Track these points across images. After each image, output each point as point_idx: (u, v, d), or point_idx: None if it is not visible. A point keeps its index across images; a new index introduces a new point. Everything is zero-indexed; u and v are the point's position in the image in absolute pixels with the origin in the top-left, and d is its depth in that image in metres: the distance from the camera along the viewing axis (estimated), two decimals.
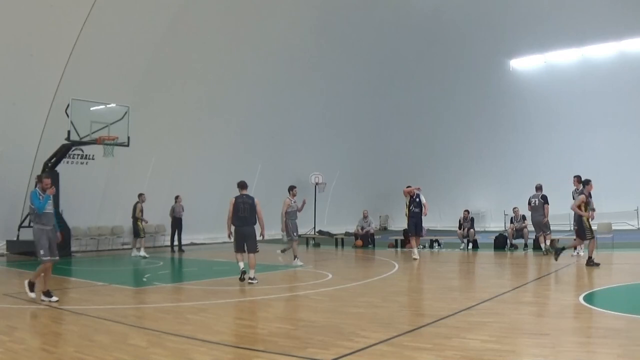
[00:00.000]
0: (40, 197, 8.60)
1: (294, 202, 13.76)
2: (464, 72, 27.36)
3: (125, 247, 19.13)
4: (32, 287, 8.58)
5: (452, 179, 28.97)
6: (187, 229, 19.25)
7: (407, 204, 14.91)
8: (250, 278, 10.13)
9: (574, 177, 14.67)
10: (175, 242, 18.85)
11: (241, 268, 10.24)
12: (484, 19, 25.17)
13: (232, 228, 10.43)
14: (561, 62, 25.95)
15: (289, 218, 13.57)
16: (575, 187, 14.53)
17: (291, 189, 13.75)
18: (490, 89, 27.30)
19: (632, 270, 11.82)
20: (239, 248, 10.32)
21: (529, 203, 16.16)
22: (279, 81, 23.63)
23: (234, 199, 10.38)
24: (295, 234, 13.71)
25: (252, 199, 10.45)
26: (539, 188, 16.20)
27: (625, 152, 24.48)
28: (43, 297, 8.35)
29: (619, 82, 23.93)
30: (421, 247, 18.60)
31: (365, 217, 20.72)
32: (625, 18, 22.71)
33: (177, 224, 18.80)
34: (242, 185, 10.64)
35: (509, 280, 11.00)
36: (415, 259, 14.32)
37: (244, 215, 10.30)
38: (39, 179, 9.37)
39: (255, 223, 10.49)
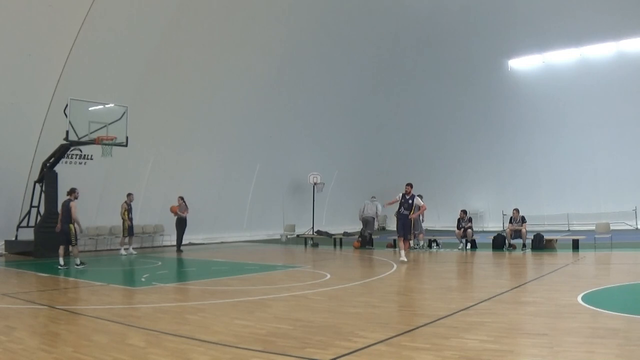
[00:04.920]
0: None
1: None
2: (462, 72, 27.38)
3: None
4: None
5: (450, 179, 29.01)
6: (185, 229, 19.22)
7: (399, 204, 14.45)
8: (77, 264, 12.98)
9: None
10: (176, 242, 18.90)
11: (77, 263, 13.05)
12: (482, 19, 25.20)
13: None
14: (560, 62, 25.97)
15: None
16: None
17: None
18: (488, 89, 27.32)
19: (631, 270, 11.84)
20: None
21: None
22: (278, 81, 23.63)
23: (75, 202, 13.24)
24: None
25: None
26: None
27: (624, 152, 24.51)
28: None
29: (618, 82, 23.96)
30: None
31: (373, 197, 20.01)
32: (623, 18, 22.73)
33: (180, 224, 18.79)
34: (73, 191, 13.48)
35: (507, 280, 11.01)
36: (403, 262, 13.72)
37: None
38: None
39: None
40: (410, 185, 14.58)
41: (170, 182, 20.93)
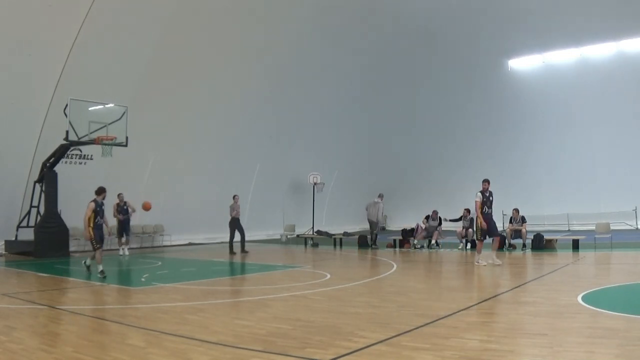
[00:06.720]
0: None
1: None
2: (463, 72, 27.38)
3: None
4: None
5: (450, 179, 28.99)
6: (184, 229, 19.17)
7: (481, 203, 12.98)
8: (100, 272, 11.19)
9: None
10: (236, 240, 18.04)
11: (86, 263, 11.92)
12: (482, 19, 25.18)
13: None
14: (560, 62, 25.98)
15: None
16: None
17: None
18: (488, 89, 27.32)
19: (631, 270, 11.84)
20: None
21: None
22: (278, 81, 23.62)
23: (94, 204, 11.46)
24: None
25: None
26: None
27: (624, 152, 24.51)
28: None
29: (617, 82, 23.97)
30: (420, 246, 18.61)
31: (380, 194, 19.70)
32: (623, 18, 22.73)
33: (235, 224, 18.02)
34: (102, 191, 11.79)
35: (507, 280, 11.01)
36: (485, 265, 12.61)
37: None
38: None
39: None
40: (488, 181, 13.49)
41: (170, 182, 20.93)
